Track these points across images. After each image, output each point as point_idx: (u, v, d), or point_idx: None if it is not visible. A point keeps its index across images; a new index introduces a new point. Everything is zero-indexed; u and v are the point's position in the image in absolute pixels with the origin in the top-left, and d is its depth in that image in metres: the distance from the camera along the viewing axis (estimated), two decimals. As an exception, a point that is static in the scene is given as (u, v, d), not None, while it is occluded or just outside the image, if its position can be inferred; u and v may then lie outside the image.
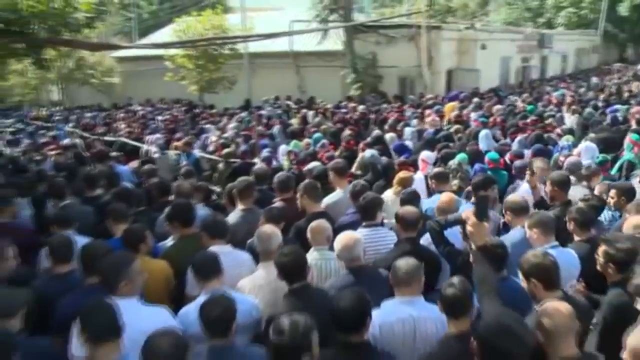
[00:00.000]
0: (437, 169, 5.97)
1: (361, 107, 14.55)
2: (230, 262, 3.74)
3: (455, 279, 2.92)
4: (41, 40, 7.78)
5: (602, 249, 3.32)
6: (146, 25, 30.08)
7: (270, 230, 3.92)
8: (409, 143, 9.37)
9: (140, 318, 3.02)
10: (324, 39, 19.12)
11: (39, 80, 24.43)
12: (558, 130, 9.97)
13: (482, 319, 2.65)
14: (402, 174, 5.99)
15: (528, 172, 5.42)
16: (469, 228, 3.17)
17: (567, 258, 3.66)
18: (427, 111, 12.88)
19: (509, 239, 4.05)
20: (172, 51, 19.00)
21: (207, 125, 14.07)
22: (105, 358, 2.69)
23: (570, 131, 9.72)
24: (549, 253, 3.16)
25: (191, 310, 3.23)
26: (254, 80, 21.25)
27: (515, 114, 12.16)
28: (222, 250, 3.86)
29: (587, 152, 7.67)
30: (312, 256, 3.90)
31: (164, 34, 23.57)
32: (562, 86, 20.09)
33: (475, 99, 14.26)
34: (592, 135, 8.87)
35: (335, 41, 19.17)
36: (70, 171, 7.72)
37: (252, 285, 3.68)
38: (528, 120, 10.58)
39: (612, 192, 5.14)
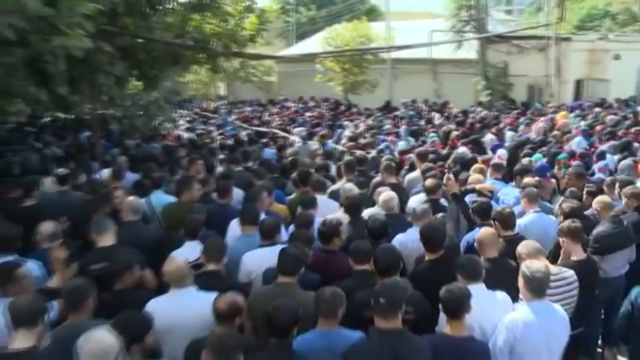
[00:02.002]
0: (495, 161, 7.61)
1: (484, 112, 15.96)
2: (325, 207, 5.84)
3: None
4: (217, 52, 10.50)
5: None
6: (303, 30, 33.11)
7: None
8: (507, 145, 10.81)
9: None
10: (459, 48, 20.50)
11: (209, 78, 28.35)
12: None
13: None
14: (477, 165, 7.75)
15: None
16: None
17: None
18: (541, 118, 14.00)
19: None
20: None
21: (345, 122, 16.32)
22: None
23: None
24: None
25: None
26: (395, 84, 23.27)
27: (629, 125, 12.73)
28: (321, 198, 5.99)
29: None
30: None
31: (315, 40, 26.31)
32: None
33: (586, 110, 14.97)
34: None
35: (469, 50, 20.49)
36: (231, 150, 10.35)
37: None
38: (632, 130, 11.27)
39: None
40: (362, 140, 11.41)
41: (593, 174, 8.19)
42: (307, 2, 35.34)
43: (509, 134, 11.60)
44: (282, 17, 36.09)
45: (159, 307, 3.75)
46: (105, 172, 7.46)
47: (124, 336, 3.05)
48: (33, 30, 5.35)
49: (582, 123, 12.83)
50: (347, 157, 8.76)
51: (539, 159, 8.48)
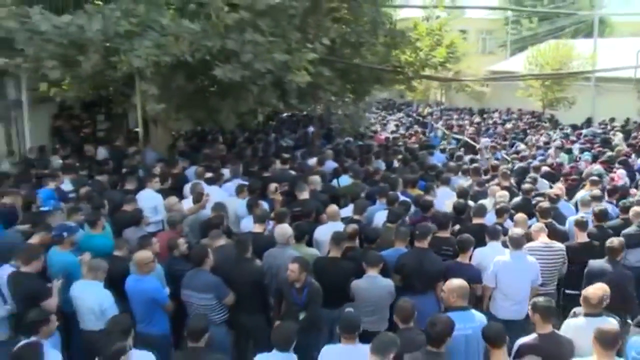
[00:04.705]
0: (593, 177, 9.28)
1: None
2: (445, 195, 8.51)
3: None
4: (409, 76, 13.57)
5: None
6: (524, 43, 33.91)
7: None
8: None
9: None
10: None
11: (426, 85, 31.39)
12: None
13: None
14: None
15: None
16: None
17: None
18: None
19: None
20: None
21: (530, 136, 18.06)
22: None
23: None
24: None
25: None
26: (597, 101, 23.66)
27: None
28: (445, 189, 8.69)
29: None
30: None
31: (522, 57, 27.51)
32: None
33: None
34: None
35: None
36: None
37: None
38: None
39: None
40: (523, 152, 13.42)
41: None
42: (529, 16, 35.94)
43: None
44: (506, 27, 37.53)
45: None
46: (314, 160, 11.01)
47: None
48: (278, 67, 8.95)
49: None
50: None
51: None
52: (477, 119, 24.13)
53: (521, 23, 37.24)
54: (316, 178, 8.58)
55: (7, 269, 5.52)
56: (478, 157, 13.58)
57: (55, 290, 5.36)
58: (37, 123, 11.92)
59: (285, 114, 19.84)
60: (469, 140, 17.41)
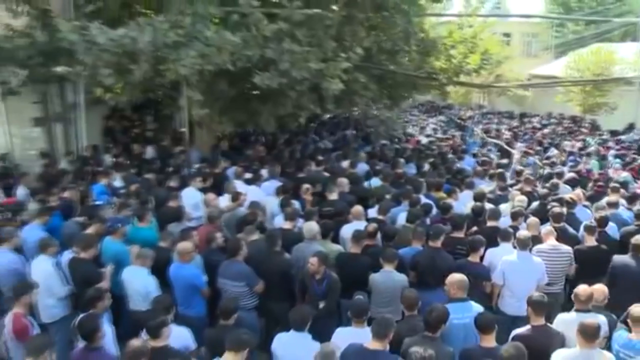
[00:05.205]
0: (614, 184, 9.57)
1: None
2: (465, 198, 8.94)
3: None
4: (443, 83, 13.96)
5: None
6: (567, 47, 33.52)
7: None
8: None
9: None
10: None
11: (467, 88, 31.49)
12: None
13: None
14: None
15: None
16: None
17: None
18: None
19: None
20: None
21: (565, 142, 18.14)
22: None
23: None
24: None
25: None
26: (640, 107, 23.45)
27: None
28: (468, 193, 9.12)
29: None
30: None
31: (563, 62, 27.33)
32: None
33: None
34: None
35: None
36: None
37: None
38: None
39: None
40: (554, 158, 13.64)
41: None
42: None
43: None
44: (550, 30, 37.15)
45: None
46: (346, 163, 11.56)
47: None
48: (313, 75, 9.54)
49: None
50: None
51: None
52: (515, 123, 24.18)
53: (567, 26, 36.77)
54: (344, 180, 9.14)
55: (68, 255, 6.33)
56: (505, 161, 13.87)
57: (107, 274, 6.13)
58: (92, 124, 12.83)
59: (327, 116, 20.47)
60: (504, 145, 17.63)
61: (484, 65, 14.44)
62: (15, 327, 5.02)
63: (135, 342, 4.24)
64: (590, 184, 10.51)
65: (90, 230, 6.88)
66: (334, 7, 9.90)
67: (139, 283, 6.00)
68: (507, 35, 37.94)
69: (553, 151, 16.13)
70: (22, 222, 7.47)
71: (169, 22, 8.50)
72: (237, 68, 8.93)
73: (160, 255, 6.41)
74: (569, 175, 10.90)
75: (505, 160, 14.73)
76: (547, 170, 12.22)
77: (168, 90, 11.29)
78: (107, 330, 4.82)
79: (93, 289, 5.30)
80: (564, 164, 13.36)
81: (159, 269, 6.22)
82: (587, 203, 8.92)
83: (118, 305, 6.21)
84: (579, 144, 16.93)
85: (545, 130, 21.01)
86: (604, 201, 8.36)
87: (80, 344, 4.61)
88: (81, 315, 4.92)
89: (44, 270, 6.05)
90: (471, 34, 14.38)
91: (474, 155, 14.82)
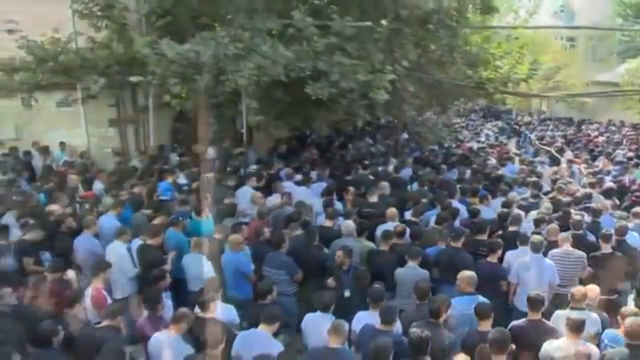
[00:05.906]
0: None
1: None
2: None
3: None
4: (489, 92, 14.34)
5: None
6: (635, 52, 32.63)
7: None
8: None
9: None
10: None
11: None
12: None
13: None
14: None
15: None
16: None
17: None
18: None
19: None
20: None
21: (618, 151, 18.02)
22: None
23: None
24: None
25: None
26: None
27: None
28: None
29: None
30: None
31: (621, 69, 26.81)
32: None
33: None
34: None
35: None
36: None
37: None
38: None
39: None
40: (597, 168, 13.84)
41: None
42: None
43: None
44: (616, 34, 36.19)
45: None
46: (391, 167, 12.27)
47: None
48: (360, 86, 10.27)
49: None
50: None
51: None
52: (570, 131, 24.05)
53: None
54: (385, 184, 9.89)
55: (137, 242, 7.38)
56: (555, 169, 14.14)
57: (170, 260, 7.14)
58: (160, 126, 14.05)
59: (383, 121, 21.13)
60: (554, 153, 17.76)
61: (532, 74, 14.66)
62: (94, 298, 6.08)
63: (182, 309, 5.23)
64: (629, 195, 10.78)
65: (156, 221, 7.94)
66: (383, 22, 10.57)
67: (197, 268, 6.98)
68: (571, 39, 37.37)
69: (601, 160, 16.18)
70: (99, 213, 8.63)
71: (230, 37, 9.45)
72: (291, 78, 9.78)
73: (215, 245, 7.36)
74: (607, 185, 11.16)
75: (555, 168, 14.99)
76: (587, 179, 12.46)
77: (229, 95, 12.30)
78: (168, 303, 5.80)
79: (157, 269, 6.33)
80: (608, 173, 13.48)
81: (214, 257, 7.18)
82: (618, 213, 9.26)
83: (178, 286, 7.21)
84: (631, 154, 16.83)
85: (600, 139, 20.84)
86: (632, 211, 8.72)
87: (145, 313, 5.61)
88: (146, 289, 5.93)
89: (118, 253, 7.15)
90: (519, 45, 14.69)
91: (522, 162, 15.11)
